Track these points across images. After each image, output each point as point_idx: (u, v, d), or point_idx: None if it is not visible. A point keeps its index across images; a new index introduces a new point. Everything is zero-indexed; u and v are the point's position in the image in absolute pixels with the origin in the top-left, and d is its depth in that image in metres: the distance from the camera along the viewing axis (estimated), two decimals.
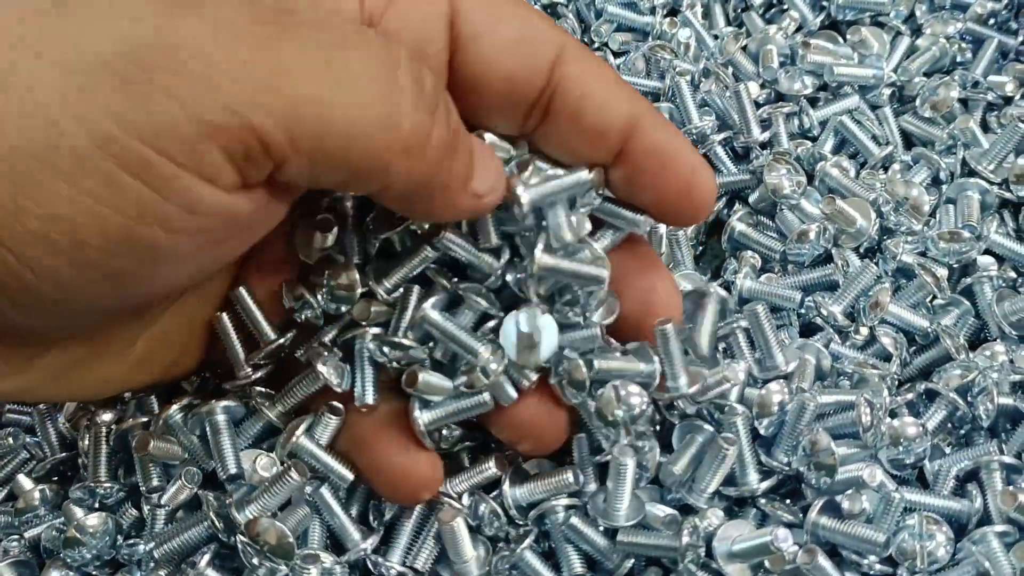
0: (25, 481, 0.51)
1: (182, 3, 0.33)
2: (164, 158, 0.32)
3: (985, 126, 0.63)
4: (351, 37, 0.35)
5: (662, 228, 0.59)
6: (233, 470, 0.48)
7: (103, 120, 0.31)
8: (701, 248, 0.62)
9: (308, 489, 0.46)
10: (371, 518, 0.48)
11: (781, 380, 0.49)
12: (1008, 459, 0.48)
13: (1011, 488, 0.46)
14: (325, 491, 0.47)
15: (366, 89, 0.35)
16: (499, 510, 0.48)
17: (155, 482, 0.48)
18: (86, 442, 0.50)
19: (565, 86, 0.41)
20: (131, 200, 0.32)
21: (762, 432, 0.48)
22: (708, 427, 0.48)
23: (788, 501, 0.48)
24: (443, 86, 0.40)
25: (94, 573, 0.48)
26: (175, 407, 0.49)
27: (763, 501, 0.48)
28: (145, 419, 0.50)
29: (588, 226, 0.44)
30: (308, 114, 0.33)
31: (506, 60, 0.40)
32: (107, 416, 0.51)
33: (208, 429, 0.49)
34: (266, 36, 0.33)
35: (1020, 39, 0.66)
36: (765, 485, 0.47)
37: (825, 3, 0.69)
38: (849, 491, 0.46)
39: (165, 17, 0.32)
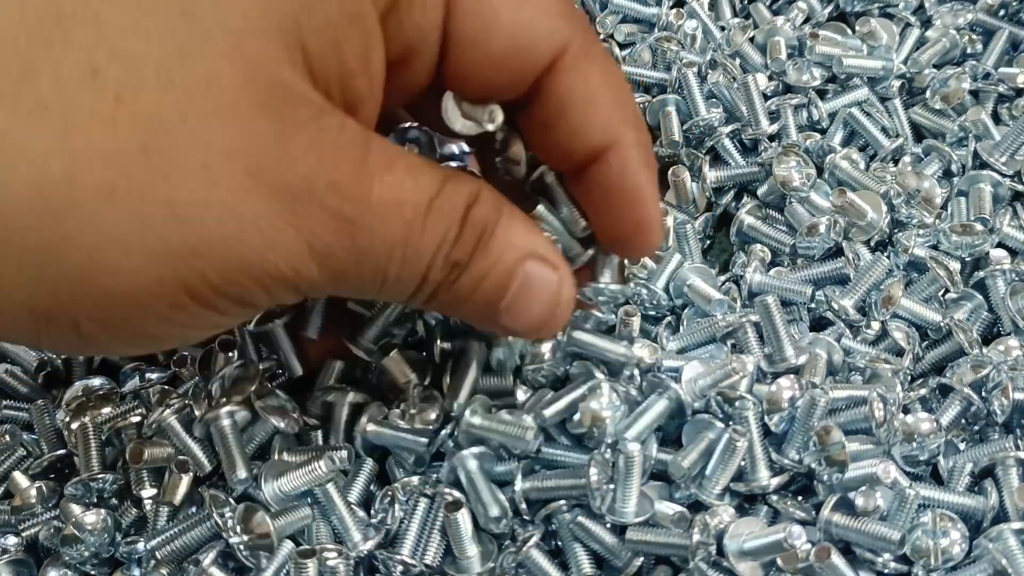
0: (21, 478, 0.50)
1: None
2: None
3: (996, 118, 0.62)
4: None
5: (669, 221, 0.58)
6: (243, 475, 0.48)
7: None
8: (709, 242, 0.61)
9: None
10: (376, 514, 0.48)
11: (792, 375, 0.48)
12: None
13: None
14: (331, 487, 0.47)
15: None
16: (507, 507, 0.47)
17: (148, 489, 0.47)
18: (74, 439, 0.49)
19: (554, 95, 0.39)
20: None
21: (773, 428, 0.47)
22: (718, 423, 0.48)
23: (800, 498, 0.47)
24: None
25: (92, 572, 0.47)
26: (169, 411, 0.49)
27: (775, 498, 0.47)
28: (137, 419, 0.49)
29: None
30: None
31: (491, 72, 0.38)
32: (105, 409, 0.50)
33: (215, 435, 0.49)
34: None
35: None
36: (776, 481, 0.47)
37: None
38: (863, 488, 0.45)
39: None
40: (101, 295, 0.31)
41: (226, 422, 0.49)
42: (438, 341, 0.51)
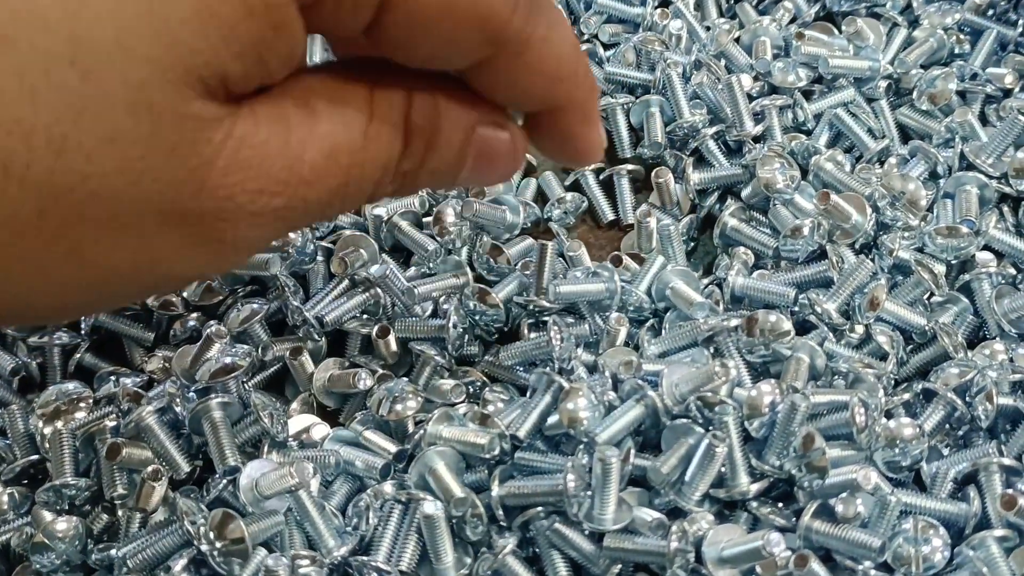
0: None
1: None
2: None
3: (984, 119, 0.62)
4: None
5: (652, 223, 0.58)
6: (232, 463, 0.48)
7: None
8: (693, 244, 0.60)
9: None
10: (350, 520, 0.47)
11: (772, 380, 0.47)
12: (1008, 461, 0.46)
13: (1010, 491, 0.45)
14: (303, 494, 0.46)
15: None
16: (483, 512, 0.46)
17: (120, 490, 0.47)
18: (47, 444, 0.48)
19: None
20: None
21: (753, 434, 0.47)
22: (698, 428, 0.47)
23: (781, 504, 0.47)
24: None
25: None
26: (149, 408, 0.48)
27: (754, 504, 0.46)
28: (112, 423, 0.48)
29: None
30: None
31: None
32: (79, 414, 0.50)
33: (206, 425, 0.49)
34: None
35: (1019, 30, 0.64)
36: (756, 487, 0.46)
37: None
38: (843, 494, 0.45)
39: None
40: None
41: (218, 413, 0.49)
42: None
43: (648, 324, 0.54)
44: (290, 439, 0.50)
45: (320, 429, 0.51)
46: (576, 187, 0.62)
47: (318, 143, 0.33)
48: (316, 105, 0.33)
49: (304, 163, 0.33)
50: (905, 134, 0.62)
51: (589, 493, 0.45)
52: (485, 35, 0.33)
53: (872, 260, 0.55)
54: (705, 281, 0.56)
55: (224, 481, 0.47)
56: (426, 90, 0.36)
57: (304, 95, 0.33)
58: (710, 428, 0.47)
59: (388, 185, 0.36)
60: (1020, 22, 0.65)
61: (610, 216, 0.61)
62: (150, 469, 0.47)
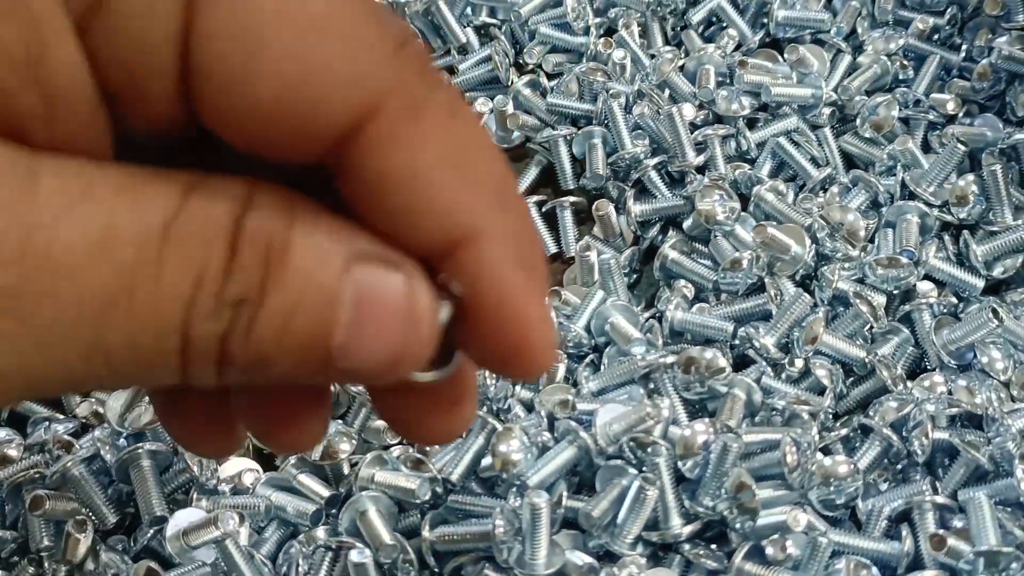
0: None
1: None
2: None
3: (927, 146, 0.62)
4: None
5: (593, 256, 0.57)
6: (159, 512, 0.47)
7: None
8: (636, 276, 0.60)
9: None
10: (280, 568, 0.47)
11: (706, 419, 0.47)
12: (941, 499, 0.46)
13: (941, 532, 0.44)
14: (230, 543, 0.46)
15: None
16: (414, 558, 0.46)
17: (45, 541, 0.46)
18: None
19: (365, 169, 0.25)
20: None
21: (686, 474, 0.46)
22: (631, 469, 0.47)
23: (714, 547, 0.46)
24: None
25: None
26: (74, 459, 0.48)
27: (687, 547, 0.46)
28: (36, 473, 0.48)
29: None
30: None
31: (259, 126, 0.24)
32: (8, 464, 0.49)
33: (133, 473, 0.48)
34: None
35: (962, 55, 0.64)
36: (688, 530, 0.46)
37: (765, 20, 0.67)
38: (774, 536, 0.44)
39: None
40: None
41: (146, 462, 0.48)
42: None
43: (588, 360, 0.54)
44: (222, 485, 0.50)
45: (252, 474, 0.50)
46: None
47: (84, 222, 0.22)
48: (89, 178, 0.23)
49: (56, 242, 0.22)
50: (850, 161, 0.62)
51: (520, 538, 0.45)
52: (352, 91, 0.24)
53: (813, 292, 0.54)
54: (646, 315, 0.56)
55: (151, 531, 0.47)
56: (276, 194, 0.24)
57: (77, 167, 0.23)
58: (643, 469, 0.46)
59: (208, 317, 0.23)
60: (963, 47, 0.65)
61: (553, 249, 0.61)
62: (76, 520, 0.46)
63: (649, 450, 0.46)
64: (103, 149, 0.25)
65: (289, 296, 0.24)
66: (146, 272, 0.23)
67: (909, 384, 0.51)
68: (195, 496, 0.49)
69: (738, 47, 0.67)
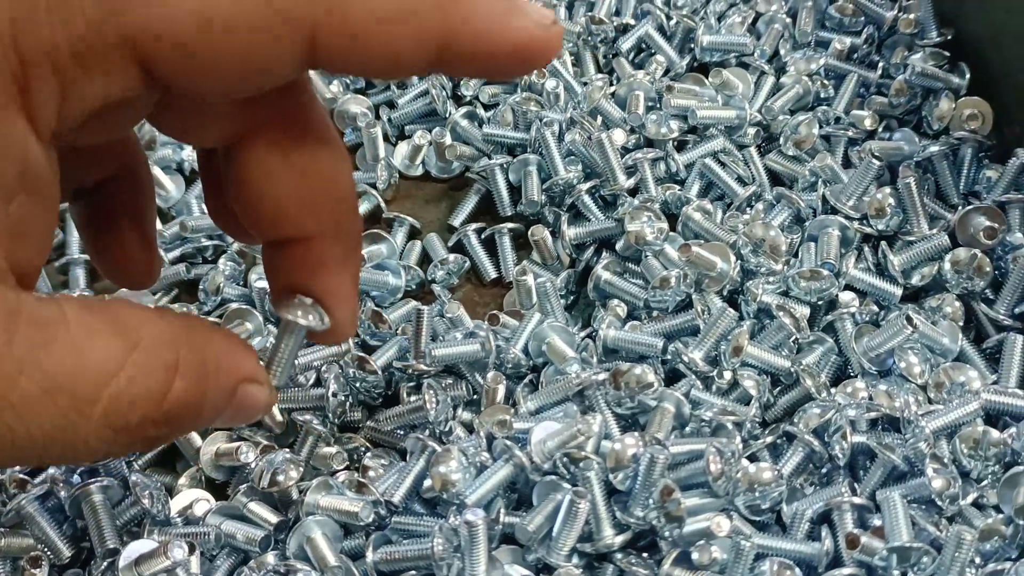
0: None
1: None
2: None
3: (847, 161, 0.64)
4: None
5: (529, 280, 0.59)
6: (111, 545, 0.49)
7: None
8: (573, 297, 0.62)
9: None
10: None
11: (636, 433, 0.49)
12: (859, 500, 0.48)
13: (855, 531, 0.46)
14: (180, 573, 0.47)
15: None
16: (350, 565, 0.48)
17: None
18: None
19: (237, 165, 0.36)
20: None
21: (618, 486, 0.48)
22: (565, 484, 0.49)
23: (646, 555, 0.48)
24: None
25: None
26: (28, 497, 0.49)
27: (619, 556, 0.48)
28: None
29: None
30: None
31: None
32: None
33: (86, 508, 0.49)
34: None
35: (879, 72, 0.67)
36: (620, 540, 0.48)
37: (692, 46, 0.69)
38: (699, 542, 0.46)
39: None
40: None
41: (97, 497, 0.50)
42: None
43: (526, 380, 0.56)
44: (173, 516, 0.51)
45: (203, 505, 0.52)
46: (459, 247, 0.64)
47: (44, 368, 0.29)
48: (54, 329, 0.30)
49: (17, 385, 0.29)
50: (776, 178, 0.65)
51: (460, 555, 0.47)
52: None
53: (739, 306, 0.57)
54: (582, 334, 0.58)
55: (104, 563, 0.48)
56: (200, 334, 0.34)
57: (50, 312, 0.30)
58: (576, 484, 0.48)
59: (158, 427, 0.32)
60: (880, 64, 0.67)
61: (493, 274, 0.63)
62: (31, 556, 0.48)
63: (581, 465, 0.48)
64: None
65: (202, 414, 0.34)
66: (118, 402, 0.30)
67: (833, 391, 0.54)
68: (148, 528, 0.50)
69: (667, 72, 0.69)
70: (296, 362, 0.55)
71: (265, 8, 0.30)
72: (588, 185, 0.63)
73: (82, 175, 0.39)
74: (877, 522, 0.48)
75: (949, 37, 0.65)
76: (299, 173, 0.36)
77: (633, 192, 0.63)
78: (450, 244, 0.64)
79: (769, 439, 0.52)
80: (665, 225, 0.59)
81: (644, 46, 0.71)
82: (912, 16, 0.66)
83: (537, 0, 0.71)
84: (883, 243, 0.59)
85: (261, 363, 0.38)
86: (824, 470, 0.52)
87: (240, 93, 0.33)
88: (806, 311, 0.57)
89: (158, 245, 0.47)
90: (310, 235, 0.37)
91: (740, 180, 0.63)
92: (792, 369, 0.54)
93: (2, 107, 0.28)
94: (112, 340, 0.31)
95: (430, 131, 0.67)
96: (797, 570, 0.46)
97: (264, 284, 0.59)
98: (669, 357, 0.56)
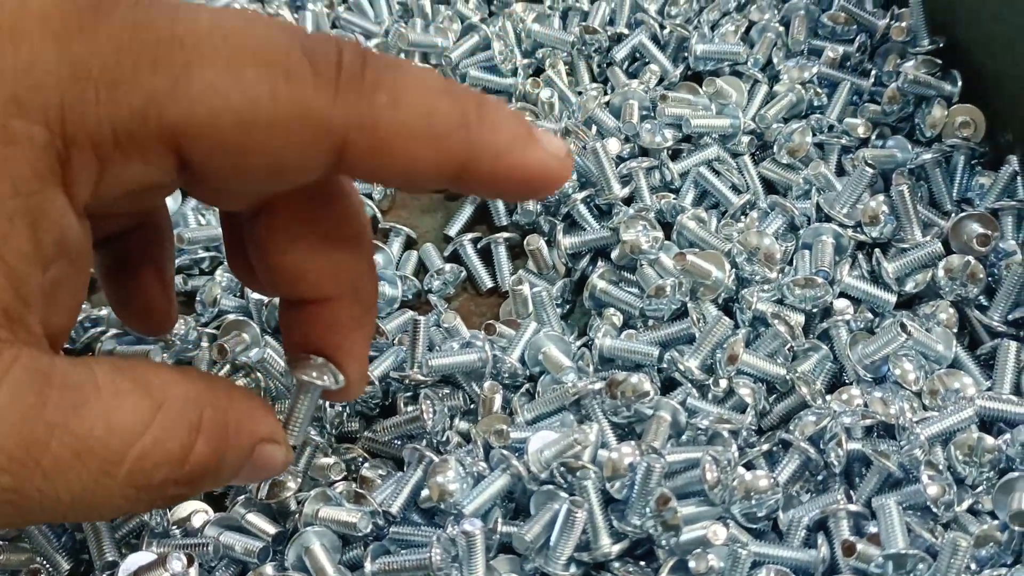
0: None
1: None
2: None
3: (841, 169, 0.65)
4: None
5: (525, 290, 0.60)
6: (110, 558, 0.49)
7: None
8: (569, 306, 0.62)
9: None
10: None
11: (632, 442, 0.49)
12: (854, 507, 0.48)
13: (851, 538, 0.47)
14: None
15: None
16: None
17: None
18: None
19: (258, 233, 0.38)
20: None
21: (615, 495, 0.49)
22: (563, 494, 0.49)
23: (643, 563, 0.49)
24: None
25: None
26: None
27: (617, 565, 0.48)
28: None
29: None
30: None
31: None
32: None
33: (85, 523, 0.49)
34: None
35: (872, 80, 0.67)
36: (618, 548, 0.48)
37: (686, 55, 0.70)
38: (696, 550, 0.46)
39: None
40: None
41: None
42: None
43: (524, 389, 0.56)
44: (172, 528, 0.51)
45: (201, 516, 0.52)
46: (455, 257, 0.64)
47: (72, 433, 0.30)
48: (84, 393, 0.31)
49: (49, 450, 0.30)
50: (770, 186, 0.65)
51: (457, 564, 0.47)
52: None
53: (735, 314, 0.57)
54: (579, 343, 0.58)
55: None
56: (221, 394, 0.35)
57: (77, 378, 0.31)
58: (573, 493, 0.49)
59: (179, 486, 0.33)
60: (873, 72, 0.68)
61: (489, 284, 0.63)
62: (29, 569, 0.48)
63: (578, 474, 0.49)
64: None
65: (220, 474, 0.35)
66: (105, 482, 0.31)
67: (828, 398, 0.54)
68: (146, 540, 0.50)
69: (661, 81, 0.70)
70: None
71: (304, 116, 0.31)
72: (583, 194, 0.63)
73: (107, 228, 0.40)
74: (873, 529, 0.48)
75: (941, 45, 0.66)
76: (321, 240, 0.38)
77: (628, 201, 0.63)
78: (446, 254, 0.64)
79: (765, 447, 0.52)
80: (660, 234, 0.60)
81: (638, 55, 0.71)
82: (904, 24, 0.67)
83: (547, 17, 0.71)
84: (877, 250, 0.59)
85: (280, 417, 0.39)
86: (820, 477, 0.52)
87: (267, 189, 0.35)
88: (801, 319, 0.57)
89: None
90: (329, 297, 0.39)
91: (734, 188, 0.64)
92: (787, 377, 0.55)
93: (45, 181, 0.29)
94: (140, 401, 0.32)
95: None
96: None
97: (260, 297, 0.59)
98: (665, 366, 0.56)
